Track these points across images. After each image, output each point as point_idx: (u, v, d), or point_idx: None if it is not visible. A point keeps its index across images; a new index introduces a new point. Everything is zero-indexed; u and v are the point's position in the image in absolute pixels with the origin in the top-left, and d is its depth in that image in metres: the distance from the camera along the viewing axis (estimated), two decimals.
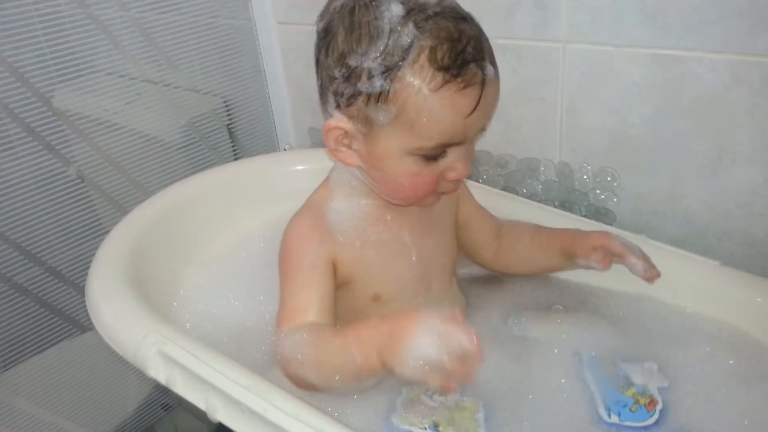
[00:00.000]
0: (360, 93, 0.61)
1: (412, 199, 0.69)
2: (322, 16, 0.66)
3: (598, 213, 0.97)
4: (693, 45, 0.80)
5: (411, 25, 0.59)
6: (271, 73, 1.27)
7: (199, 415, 0.66)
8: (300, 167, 1.05)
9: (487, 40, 0.64)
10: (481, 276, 0.91)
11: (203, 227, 0.95)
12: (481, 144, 1.04)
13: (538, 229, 0.84)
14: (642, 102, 0.87)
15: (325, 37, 0.64)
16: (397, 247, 0.74)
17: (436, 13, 0.60)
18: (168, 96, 1.19)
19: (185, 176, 1.01)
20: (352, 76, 0.61)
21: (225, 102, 1.26)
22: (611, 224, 0.94)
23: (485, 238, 0.85)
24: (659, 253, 0.82)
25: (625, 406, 0.68)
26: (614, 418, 0.67)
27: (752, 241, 0.86)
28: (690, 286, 0.79)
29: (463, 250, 0.86)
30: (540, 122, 0.97)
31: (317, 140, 1.29)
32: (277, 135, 1.34)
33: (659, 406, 0.68)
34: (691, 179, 0.87)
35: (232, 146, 1.29)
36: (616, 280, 0.83)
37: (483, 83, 0.61)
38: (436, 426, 0.66)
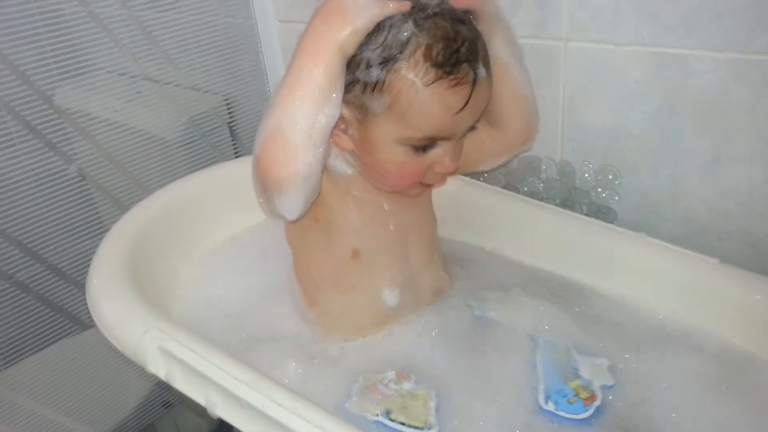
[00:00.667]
0: (358, 81, 0.65)
1: (397, 187, 0.73)
2: None
3: (600, 211, 0.97)
4: (694, 43, 0.80)
5: (411, 22, 0.62)
6: (272, 71, 1.27)
7: (200, 412, 0.67)
8: None
9: (483, 43, 0.68)
10: (470, 263, 0.92)
11: (204, 225, 0.95)
12: None
13: None
14: (643, 100, 0.87)
15: None
16: (376, 210, 0.78)
17: (435, 14, 0.64)
18: (169, 94, 1.19)
19: (186, 174, 1.01)
20: (351, 64, 0.64)
21: (226, 100, 1.26)
22: (612, 222, 0.94)
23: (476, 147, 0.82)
24: (659, 252, 0.82)
25: (564, 396, 0.70)
26: (550, 406, 0.69)
27: (752, 240, 0.86)
28: (689, 283, 0.79)
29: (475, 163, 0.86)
30: (541, 121, 0.97)
31: None
32: None
33: (597, 403, 0.69)
34: (692, 178, 0.87)
35: (233, 144, 1.30)
36: (613, 274, 0.84)
37: (474, 83, 0.65)
38: (388, 413, 0.68)
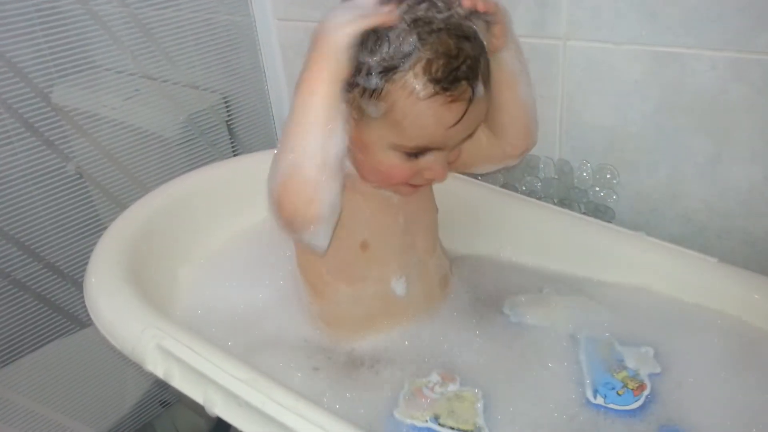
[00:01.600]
0: (357, 85, 0.65)
1: (385, 185, 0.75)
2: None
3: (598, 210, 0.97)
4: (693, 42, 0.80)
5: (415, 36, 0.63)
6: (270, 70, 1.27)
7: (198, 411, 0.67)
8: None
9: (486, 61, 0.68)
10: (470, 261, 0.92)
11: (202, 223, 0.95)
12: None
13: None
14: (642, 99, 0.87)
15: None
16: (385, 203, 0.78)
17: (440, 29, 0.64)
18: (167, 92, 1.19)
19: (184, 172, 1.01)
20: (354, 67, 0.64)
21: (224, 98, 1.26)
22: (611, 221, 0.94)
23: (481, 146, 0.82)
24: (658, 251, 0.82)
25: (612, 388, 0.70)
26: (599, 400, 0.69)
27: (752, 239, 0.86)
28: (688, 282, 0.79)
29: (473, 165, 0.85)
30: (540, 119, 0.96)
31: None
32: (276, 131, 1.34)
33: (646, 392, 0.69)
34: (691, 177, 0.87)
35: (231, 143, 1.29)
36: (612, 272, 0.84)
37: (470, 101, 0.65)
38: (436, 418, 0.67)
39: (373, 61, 0.64)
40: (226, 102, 1.26)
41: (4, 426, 1.06)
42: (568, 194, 0.99)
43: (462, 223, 0.96)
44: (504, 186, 1.03)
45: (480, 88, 0.66)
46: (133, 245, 0.83)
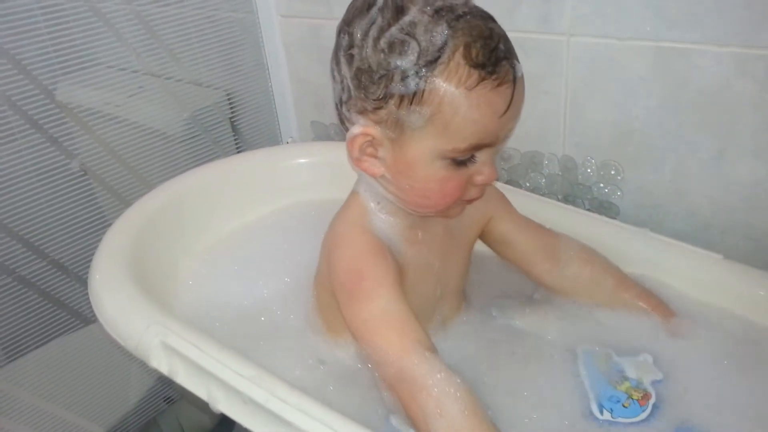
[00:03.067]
0: (392, 95, 0.60)
1: (440, 206, 0.67)
2: (344, 21, 0.64)
3: (602, 207, 0.96)
4: (697, 38, 0.80)
5: (444, 24, 0.58)
6: (273, 66, 1.27)
7: (202, 407, 0.67)
8: (302, 160, 1.05)
9: (508, 36, 0.64)
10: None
11: (205, 220, 0.95)
12: None
13: (621, 277, 0.80)
14: (646, 95, 0.87)
15: (350, 41, 0.62)
16: (427, 270, 0.74)
17: (465, 13, 0.60)
18: (170, 89, 1.19)
19: (188, 169, 1.01)
20: (383, 77, 0.60)
21: (227, 95, 1.26)
22: (615, 218, 0.94)
23: (532, 256, 0.81)
24: (662, 247, 0.82)
25: (617, 401, 0.68)
26: (606, 415, 0.67)
27: (756, 235, 0.86)
28: (693, 279, 0.79)
29: (512, 265, 0.84)
30: (543, 115, 0.97)
31: (320, 133, 1.29)
32: (279, 128, 1.33)
33: (652, 400, 0.68)
34: (695, 173, 0.87)
35: (235, 139, 1.29)
36: None
37: (514, 81, 0.61)
38: None
39: (406, 62, 0.58)
40: (229, 99, 1.26)
41: (9, 422, 1.07)
42: (573, 191, 0.98)
43: None
44: (508, 182, 1.03)
45: (519, 67, 0.62)
46: (137, 242, 0.83)
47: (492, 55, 0.59)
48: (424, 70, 0.58)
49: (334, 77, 0.65)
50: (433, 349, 0.63)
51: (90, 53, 1.06)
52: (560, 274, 0.80)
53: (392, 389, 0.63)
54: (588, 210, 0.95)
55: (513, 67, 0.61)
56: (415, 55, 0.58)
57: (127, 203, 1.08)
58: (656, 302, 0.78)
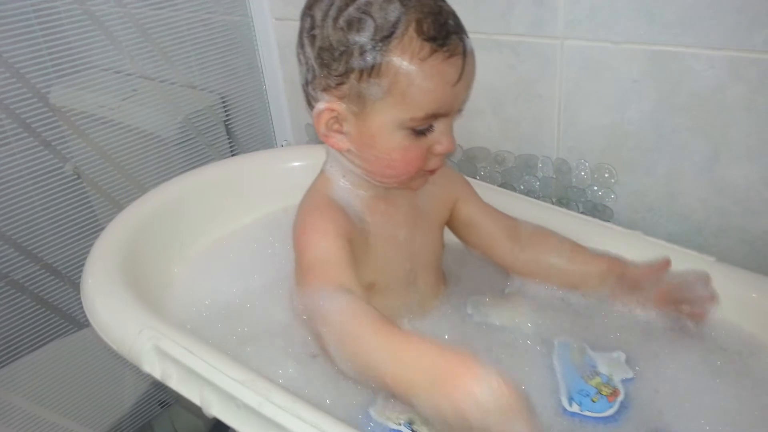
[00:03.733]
0: (352, 70, 0.65)
1: (404, 175, 0.71)
2: (307, 6, 0.68)
3: (596, 209, 0.96)
4: (690, 41, 0.80)
5: (397, 3, 0.63)
6: (268, 69, 1.27)
7: (197, 411, 0.66)
8: (297, 163, 1.05)
9: (456, 13, 0.68)
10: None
11: (199, 223, 0.95)
12: (479, 140, 1.04)
13: (575, 246, 0.83)
14: (639, 98, 0.87)
15: (312, 22, 0.67)
16: (392, 241, 0.78)
17: None
18: (164, 92, 1.18)
19: (182, 172, 1.01)
20: (344, 54, 0.64)
21: (222, 98, 1.25)
22: (609, 221, 0.94)
23: (495, 237, 0.85)
24: (655, 250, 0.82)
25: (587, 395, 0.70)
26: (575, 407, 0.69)
27: (749, 238, 0.86)
28: None
29: (475, 249, 0.87)
30: (537, 119, 0.97)
31: (314, 137, 1.29)
32: (274, 131, 1.33)
33: (620, 398, 0.69)
34: (689, 176, 0.87)
35: (229, 143, 1.29)
36: None
37: (464, 54, 0.66)
38: (410, 423, 0.67)
39: (363, 38, 0.63)
40: (223, 102, 1.26)
41: (3, 427, 1.06)
42: (566, 193, 0.98)
43: None
44: (502, 185, 1.03)
45: (468, 42, 0.67)
46: (130, 246, 0.83)
47: (442, 29, 0.64)
48: (380, 44, 0.63)
49: (299, 60, 0.70)
50: (355, 293, 0.65)
51: (84, 56, 1.06)
52: (521, 252, 0.84)
53: (313, 332, 0.67)
54: (582, 213, 0.95)
55: (462, 41, 0.66)
56: (372, 30, 0.63)
57: (120, 207, 1.07)
58: (611, 258, 0.81)
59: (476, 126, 1.03)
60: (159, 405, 1.23)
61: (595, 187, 0.95)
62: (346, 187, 0.75)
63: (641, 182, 0.92)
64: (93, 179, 1.12)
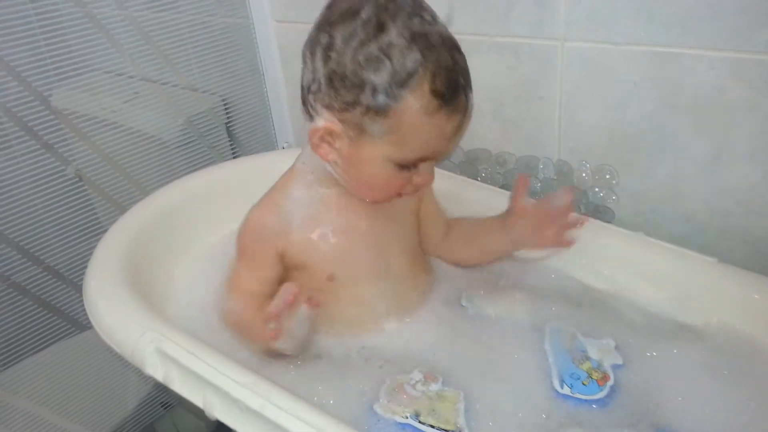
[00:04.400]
0: (360, 103, 0.65)
1: (380, 198, 0.75)
2: (326, 20, 0.68)
3: (597, 211, 0.96)
4: (691, 42, 0.80)
5: (417, 52, 0.63)
6: (269, 72, 1.27)
7: (199, 413, 0.67)
8: None
9: (468, 67, 0.69)
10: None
11: (202, 225, 0.95)
12: (480, 142, 1.04)
13: (477, 219, 0.89)
14: (640, 100, 0.87)
15: (330, 42, 0.66)
16: (353, 232, 0.80)
17: (438, 43, 0.65)
18: (166, 94, 1.19)
19: (183, 175, 1.01)
20: (355, 87, 0.65)
21: (223, 100, 1.26)
22: (610, 222, 0.94)
23: (434, 234, 0.90)
24: (657, 251, 0.82)
25: (578, 378, 0.72)
26: (566, 390, 0.71)
27: (751, 239, 0.86)
28: (688, 283, 0.79)
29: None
30: (538, 120, 0.97)
31: None
32: (275, 133, 1.34)
33: (610, 382, 0.72)
34: (690, 177, 0.87)
35: (231, 145, 1.29)
36: (611, 273, 0.85)
37: (465, 110, 0.68)
38: (417, 415, 0.68)
39: (378, 79, 0.63)
40: (225, 104, 1.26)
41: (6, 430, 1.06)
42: None
43: None
44: (503, 187, 1.03)
45: (471, 96, 0.68)
46: (132, 248, 0.83)
47: (452, 87, 0.65)
48: (393, 90, 0.64)
49: (305, 63, 0.70)
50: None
51: (85, 59, 1.06)
52: (449, 244, 0.90)
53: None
54: (583, 214, 0.95)
55: (467, 98, 0.68)
56: (388, 75, 0.63)
57: (122, 209, 1.07)
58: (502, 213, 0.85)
59: (477, 127, 1.03)
60: (161, 407, 1.23)
61: (597, 189, 0.95)
62: (311, 183, 0.78)
63: (643, 183, 0.91)
64: (95, 182, 1.12)
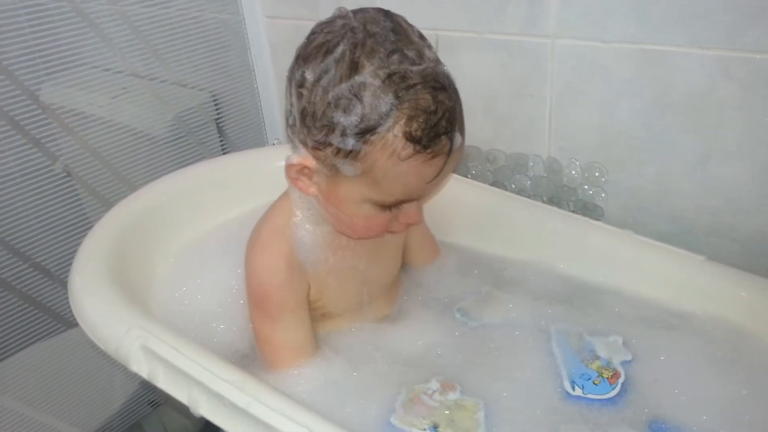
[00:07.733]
0: (330, 144, 0.62)
1: (363, 237, 0.72)
2: (301, 55, 0.64)
3: (586, 208, 0.96)
4: (681, 41, 0.80)
5: (391, 95, 0.59)
6: (259, 67, 1.27)
7: (186, 411, 0.66)
8: None
9: (461, 107, 0.65)
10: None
11: (188, 222, 0.94)
12: (471, 139, 1.04)
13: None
14: (630, 97, 0.87)
15: (302, 79, 0.63)
16: (350, 273, 0.79)
17: (416, 84, 0.60)
18: (155, 90, 1.18)
19: (172, 171, 1.00)
20: (325, 127, 0.62)
21: (213, 96, 1.25)
22: (599, 219, 0.94)
23: (417, 261, 0.91)
24: (646, 249, 0.82)
25: (588, 379, 0.71)
26: (578, 391, 0.70)
27: (740, 237, 0.86)
28: (676, 281, 0.79)
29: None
30: (529, 118, 0.97)
31: None
32: (265, 130, 1.33)
33: (621, 379, 0.71)
34: (679, 175, 0.87)
35: (221, 141, 1.29)
36: (600, 270, 0.85)
37: (449, 153, 0.63)
38: (435, 427, 0.66)
39: (348, 121, 0.60)
40: (215, 100, 1.25)
41: None
42: (557, 192, 0.98)
43: (451, 221, 0.96)
44: (493, 184, 1.03)
45: (458, 139, 0.64)
46: (118, 245, 0.82)
47: (431, 132, 0.60)
48: (363, 133, 0.60)
49: (286, 96, 0.67)
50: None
51: (74, 54, 1.05)
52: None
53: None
54: (573, 212, 0.95)
55: (451, 140, 0.62)
56: (358, 117, 0.59)
57: (110, 205, 1.06)
58: None
59: (467, 125, 1.02)
60: (149, 405, 1.23)
61: (586, 186, 0.95)
62: (307, 227, 0.75)
63: (632, 181, 0.91)
64: (83, 177, 1.11)
